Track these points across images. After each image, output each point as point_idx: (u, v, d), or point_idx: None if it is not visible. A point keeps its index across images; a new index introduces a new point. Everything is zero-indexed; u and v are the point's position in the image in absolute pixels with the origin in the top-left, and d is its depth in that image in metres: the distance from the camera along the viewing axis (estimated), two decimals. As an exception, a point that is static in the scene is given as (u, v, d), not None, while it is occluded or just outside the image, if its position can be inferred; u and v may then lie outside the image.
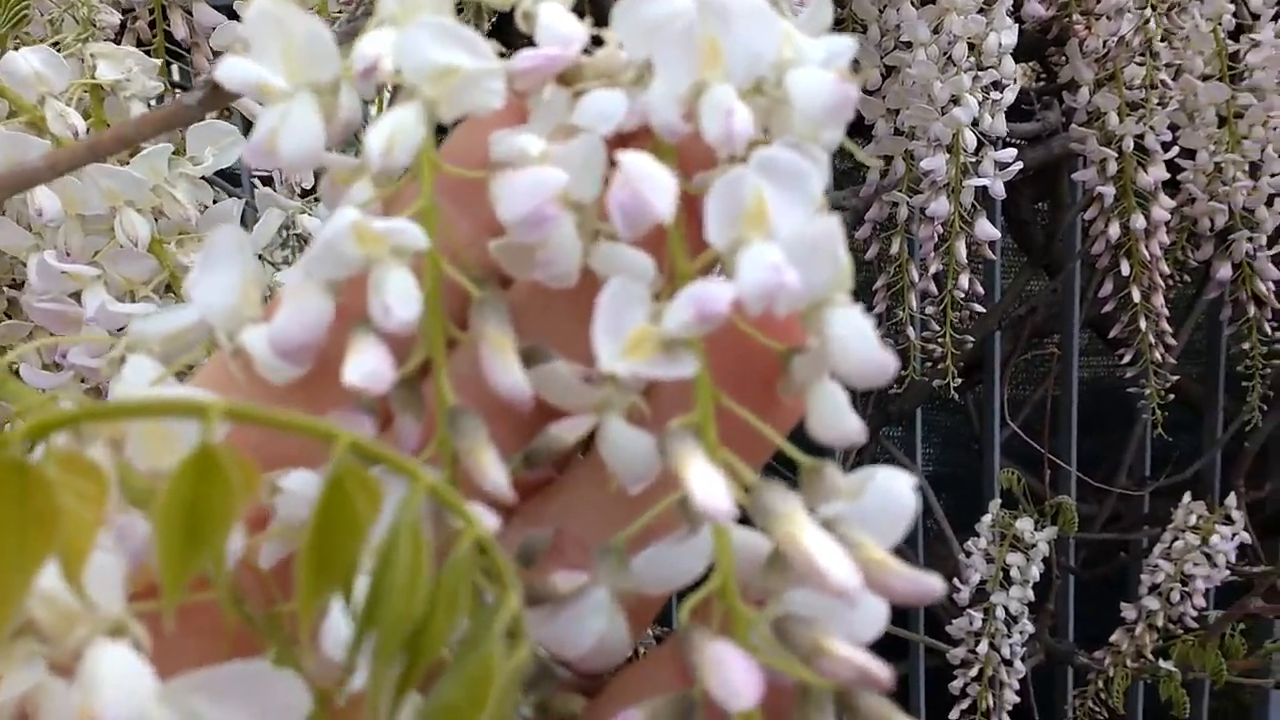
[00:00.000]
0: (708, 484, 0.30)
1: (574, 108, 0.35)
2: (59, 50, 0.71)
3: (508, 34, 0.61)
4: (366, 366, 0.32)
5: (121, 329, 0.63)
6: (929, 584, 0.30)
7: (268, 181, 0.93)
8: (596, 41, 0.35)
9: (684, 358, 0.33)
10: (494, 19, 1.01)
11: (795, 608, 0.31)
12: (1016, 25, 1.16)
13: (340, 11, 0.78)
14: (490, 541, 0.27)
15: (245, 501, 0.25)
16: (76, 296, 0.66)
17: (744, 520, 0.32)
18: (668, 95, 0.34)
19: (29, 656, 0.25)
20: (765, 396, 0.35)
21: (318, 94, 0.34)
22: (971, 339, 1.38)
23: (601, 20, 0.35)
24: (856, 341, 0.33)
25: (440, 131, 0.36)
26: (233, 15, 0.84)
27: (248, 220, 0.94)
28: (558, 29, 0.35)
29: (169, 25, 0.88)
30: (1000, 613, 1.62)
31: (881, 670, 0.28)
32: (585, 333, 0.33)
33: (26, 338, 0.72)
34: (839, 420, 0.33)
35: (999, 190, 1.17)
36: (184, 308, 0.35)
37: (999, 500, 1.71)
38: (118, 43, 0.79)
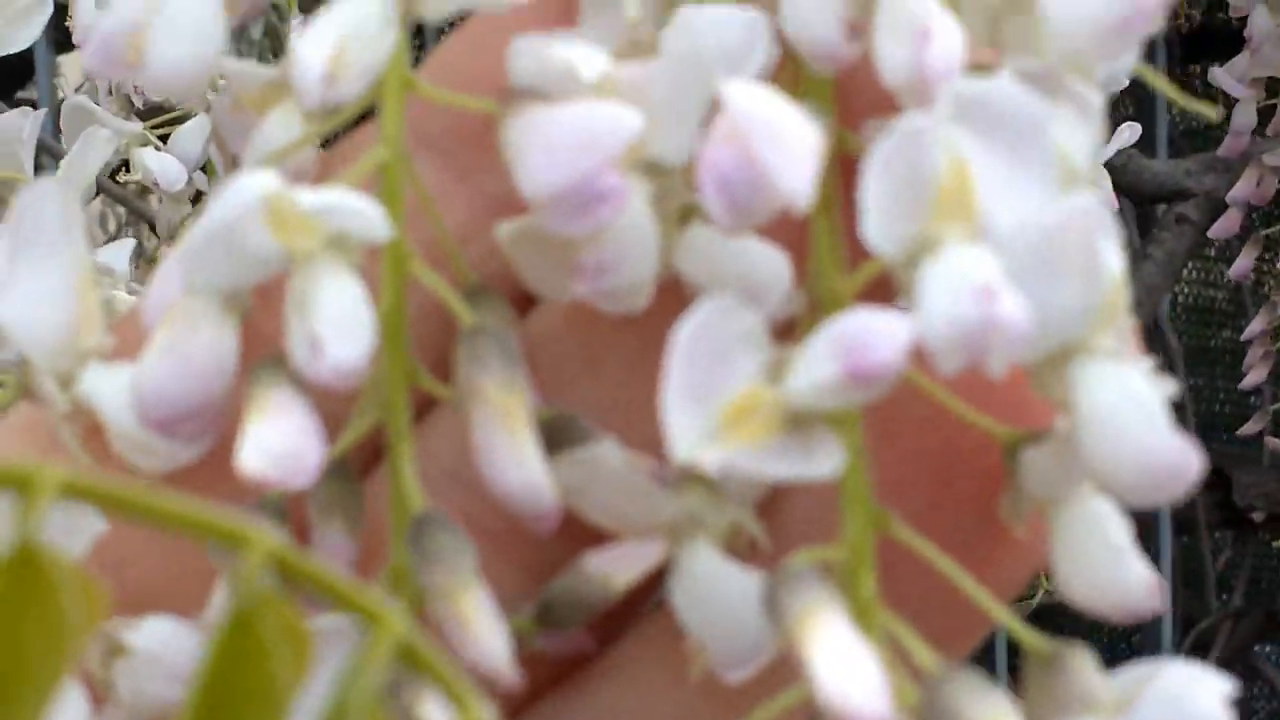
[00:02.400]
0: (848, 670, 0.25)
1: (664, 11, 0.30)
2: None
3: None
4: (276, 444, 0.28)
5: None
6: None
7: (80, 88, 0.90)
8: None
9: (823, 446, 0.27)
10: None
11: None
12: None
13: None
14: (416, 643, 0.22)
15: (85, 645, 0.21)
16: None
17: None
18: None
19: None
20: (974, 523, 0.30)
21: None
22: None
23: None
24: (1130, 420, 0.26)
25: (421, 45, 0.30)
26: None
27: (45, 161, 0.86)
28: None
29: None
30: None
31: None
32: (657, 394, 0.28)
33: None
34: (1111, 570, 0.28)
35: None
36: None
37: None
38: None
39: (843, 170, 0.28)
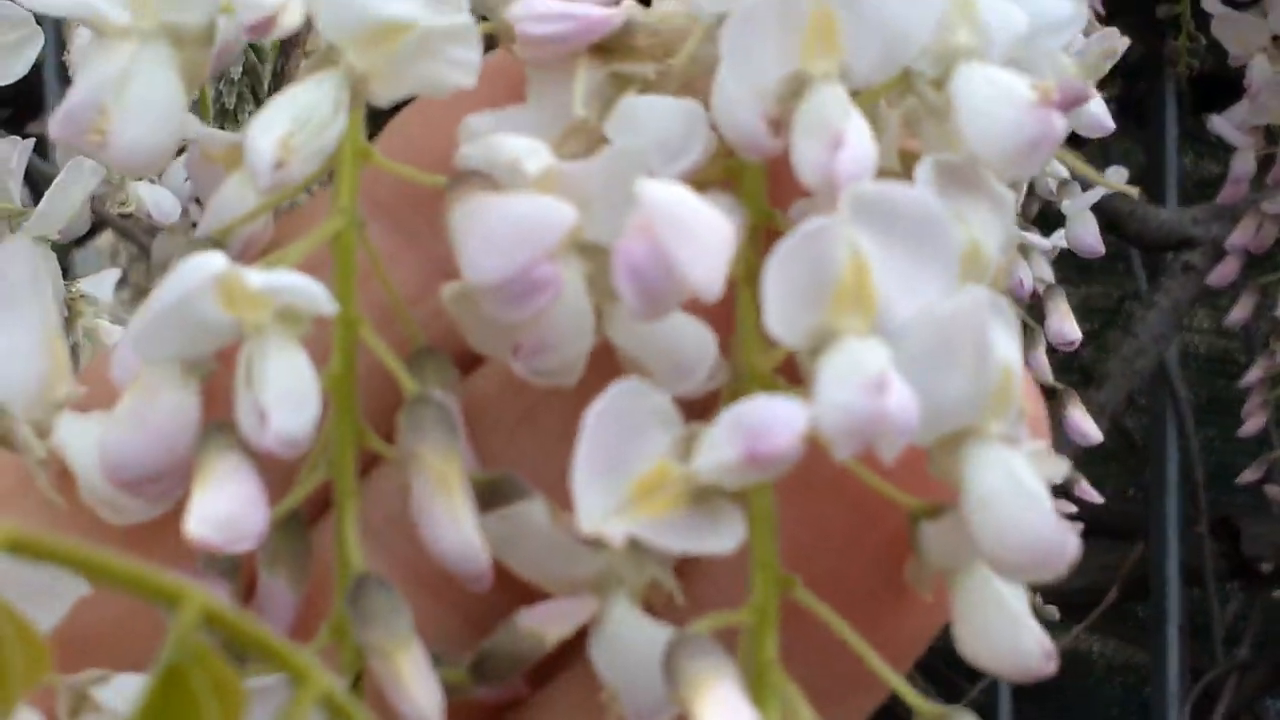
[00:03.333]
0: None
1: (608, 100, 0.31)
2: None
3: None
4: (221, 509, 0.28)
5: None
6: None
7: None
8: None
9: (727, 520, 0.28)
10: None
11: None
12: None
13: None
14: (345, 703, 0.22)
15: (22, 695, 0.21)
16: None
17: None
18: (747, 90, 0.29)
19: None
20: (880, 584, 0.31)
21: (178, 45, 0.30)
22: None
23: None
24: (1013, 502, 0.27)
25: (376, 122, 0.31)
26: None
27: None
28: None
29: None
30: None
31: None
32: None
33: None
34: (1008, 636, 0.29)
35: None
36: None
37: None
38: None
39: (772, 248, 0.29)
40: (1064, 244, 1.11)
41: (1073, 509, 1.21)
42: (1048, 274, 1.08)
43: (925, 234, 0.27)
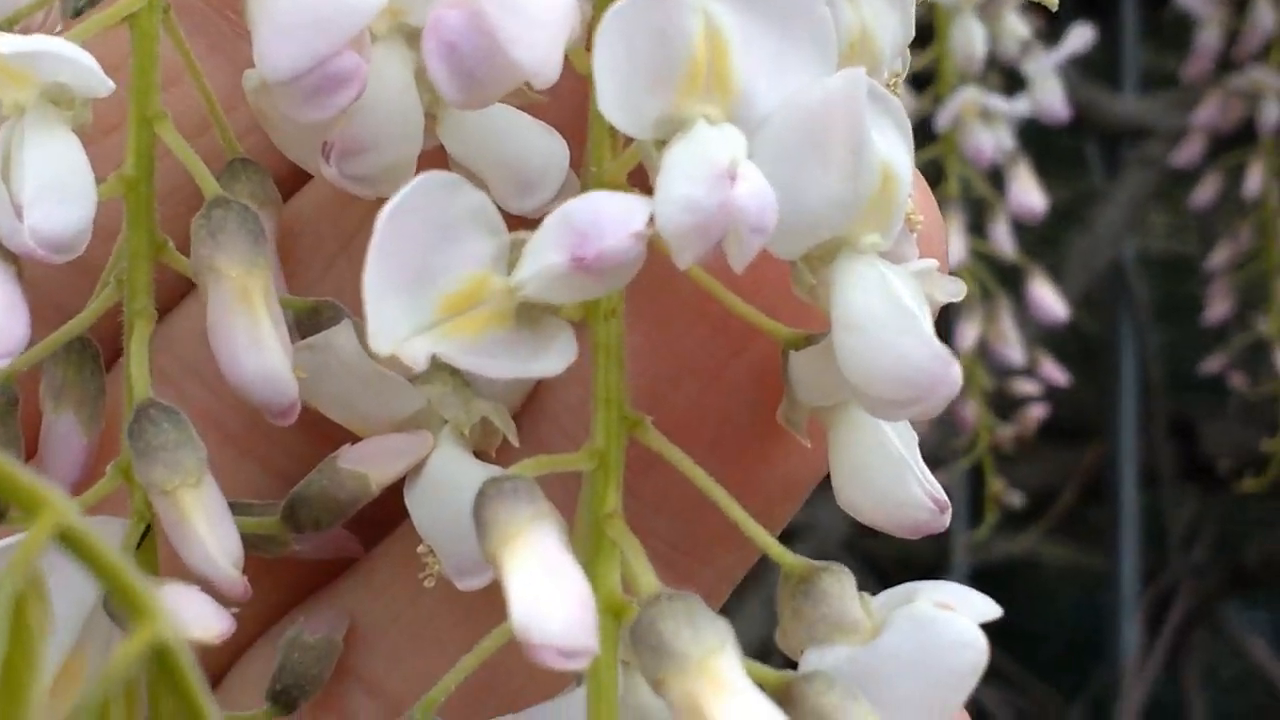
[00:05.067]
0: (546, 597, 0.22)
1: None
2: None
3: None
4: None
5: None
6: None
7: None
8: None
9: (555, 340, 0.24)
10: None
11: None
12: None
13: None
14: (180, 656, 0.18)
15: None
16: None
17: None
18: None
19: None
20: (746, 424, 0.28)
21: None
22: None
23: None
24: (886, 324, 0.24)
25: None
26: None
27: None
28: None
29: None
30: None
31: None
32: None
33: None
34: (890, 484, 0.26)
35: None
36: None
37: None
38: None
39: None
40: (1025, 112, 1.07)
41: (1035, 392, 1.19)
42: (1008, 141, 1.04)
43: (798, 7, 0.24)
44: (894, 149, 0.24)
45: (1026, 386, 1.17)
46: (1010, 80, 1.10)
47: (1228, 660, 2.18)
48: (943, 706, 0.23)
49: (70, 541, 0.18)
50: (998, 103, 1.01)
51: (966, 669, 0.23)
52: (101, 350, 0.28)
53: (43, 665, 0.17)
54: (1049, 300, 1.09)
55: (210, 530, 0.25)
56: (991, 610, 0.24)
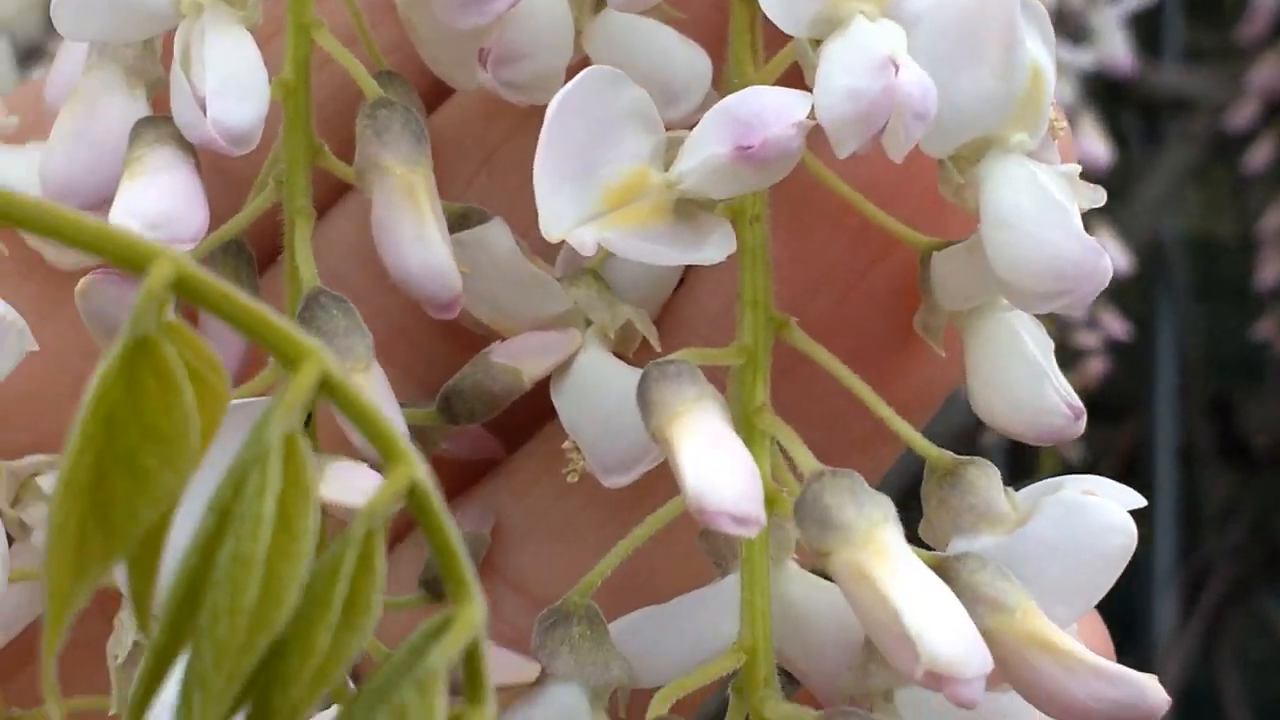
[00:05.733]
0: (717, 467, 0.23)
1: None
2: None
3: None
4: (152, 203, 0.26)
5: None
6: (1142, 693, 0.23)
7: None
8: None
9: (713, 232, 0.25)
10: None
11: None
12: None
13: None
14: (431, 498, 0.18)
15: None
16: None
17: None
18: None
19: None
20: (882, 332, 0.29)
21: None
22: None
23: None
24: (1037, 219, 0.24)
25: None
26: None
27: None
28: None
29: None
30: None
31: None
32: None
33: None
34: (1026, 387, 0.26)
35: None
36: None
37: None
38: None
39: None
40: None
41: (1096, 344, 1.19)
42: (1069, 94, 1.04)
43: None
44: (1040, 51, 0.25)
45: (1087, 339, 1.17)
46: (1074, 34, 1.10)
47: (1262, 641, 2.18)
48: (1090, 590, 0.24)
49: (330, 389, 0.18)
50: (1062, 54, 1.01)
51: (1116, 553, 0.24)
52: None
53: (314, 500, 0.18)
54: (1111, 251, 1.09)
55: (380, 406, 0.25)
56: (1136, 500, 0.25)
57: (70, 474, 0.17)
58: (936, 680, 0.22)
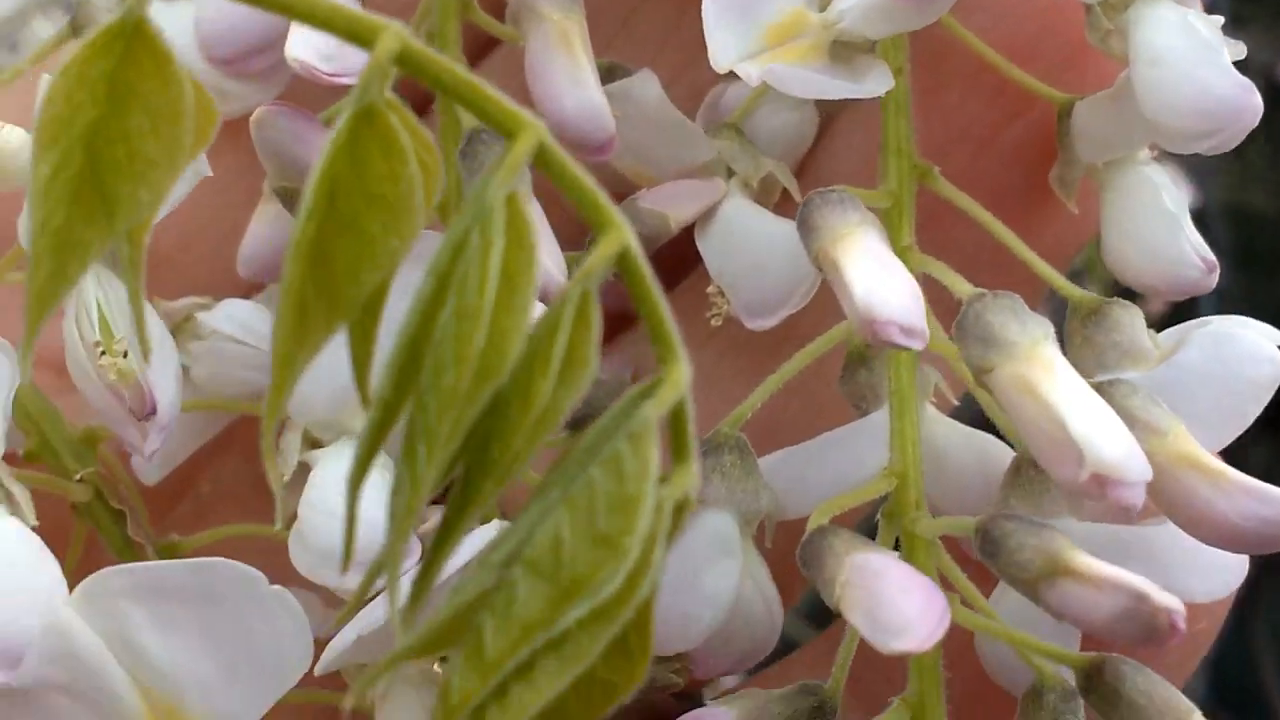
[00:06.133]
0: (882, 281, 0.23)
1: None
2: None
3: None
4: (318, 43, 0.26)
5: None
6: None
7: None
8: None
9: (870, 70, 0.25)
10: None
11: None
12: None
13: None
14: (639, 262, 0.19)
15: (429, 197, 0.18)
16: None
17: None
18: None
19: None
20: (1019, 184, 0.29)
21: None
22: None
23: None
24: (1187, 59, 0.25)
25: None
26: None
27: None
28: None
29: None
30: None
31: (1170, 602, 0.22)
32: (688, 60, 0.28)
33: None
34: (1162, 237, 0.27)
35: None
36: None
37: None
38: None
39: None
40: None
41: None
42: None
43: None
44: None
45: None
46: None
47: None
48: (1238, 417, 0.24)
49: (544, 158, 0.18)
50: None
51: (1265, 380, 0.24)
52: None
53: (536, 257, 0.18)
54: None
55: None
56: (1277, 335, 0.25)
57: (297, 243, 0.18)
58: (1100, 484, 0.22)
